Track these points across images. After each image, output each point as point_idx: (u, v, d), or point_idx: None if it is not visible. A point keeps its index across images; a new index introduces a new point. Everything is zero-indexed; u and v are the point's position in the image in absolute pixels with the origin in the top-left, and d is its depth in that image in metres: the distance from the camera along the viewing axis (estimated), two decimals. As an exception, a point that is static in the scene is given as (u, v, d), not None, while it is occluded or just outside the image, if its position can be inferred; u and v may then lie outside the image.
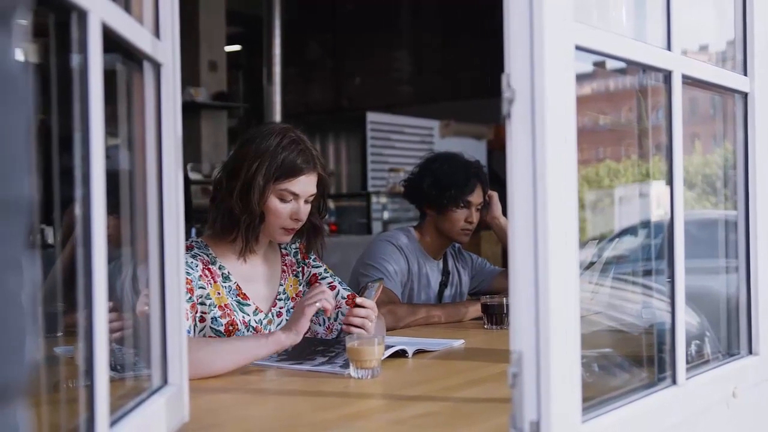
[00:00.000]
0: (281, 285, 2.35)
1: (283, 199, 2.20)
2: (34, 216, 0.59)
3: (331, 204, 7.74)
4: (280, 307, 2.33)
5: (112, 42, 1.12)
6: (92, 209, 1.01)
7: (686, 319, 1.57)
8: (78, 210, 1.01)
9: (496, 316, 2.65)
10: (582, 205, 1.33)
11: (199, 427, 1.47)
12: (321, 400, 1.72)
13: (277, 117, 8.59)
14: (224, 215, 2.20)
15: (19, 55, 0.57)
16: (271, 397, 1.77)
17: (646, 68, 1.57)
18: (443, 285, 3.13)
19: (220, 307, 2.16)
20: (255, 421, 1.61)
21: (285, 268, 2.38)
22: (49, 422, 1.19)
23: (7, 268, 0.54)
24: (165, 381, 1.38)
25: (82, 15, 0.99)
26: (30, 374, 0.57)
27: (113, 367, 1.24)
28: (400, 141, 8.29)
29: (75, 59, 1.02)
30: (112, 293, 1.09)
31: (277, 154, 2.17)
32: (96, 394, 1.01)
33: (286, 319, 2.29)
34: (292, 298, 2.36)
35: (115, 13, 1.10)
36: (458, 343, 2.35)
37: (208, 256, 2.21)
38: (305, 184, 2.21)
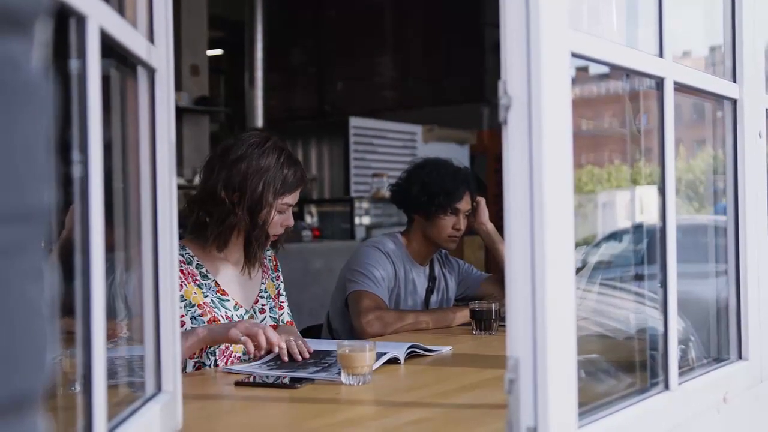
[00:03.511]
0: (263, 284, 2.43)
1: (281, 212, 2.31)
2: (49, 225, 0.58)
3: (314, 209, 7.72)
4: (263, 304, 2.41)
5: (107, 47, 1.11)
6: (90, 215, 1.00)
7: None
8: (76, 216, 1.00)
9: (485, 321, 2.65)
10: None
11: (192, 435, 1.46)
12: (313, 407, 1.71)
13: (259, 122, 8.56)
14: (228, 230, 2.26)
15: (39, 64, 0.56)
16: (264, 404, 1.76)
17: (639, 75, 1.58)
18: (430, 291, 3.13)
19: (199, 305, 2.20)
20: (248, 428, 1.60)
21: (265, 268, 2.47)
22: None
23: (28, 276, 0.54)
24: (159, 388, 1.37)
25: (81, 20, 0.98)
26: (49, 382, 0.57)
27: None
28: (383, 146, 8.28)
29: (72, 64, 1.01)
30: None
31: (280, 172, 2.27)
32: (94, 402, 1.00)
33: (270, 316, 2.41)
34: (273, 297, 2.45)
35: (113, 18, 1.10)
36: (447, 350, 2.35)
37: (183, 256, 2.23)
38: (298, 195, 2.35)
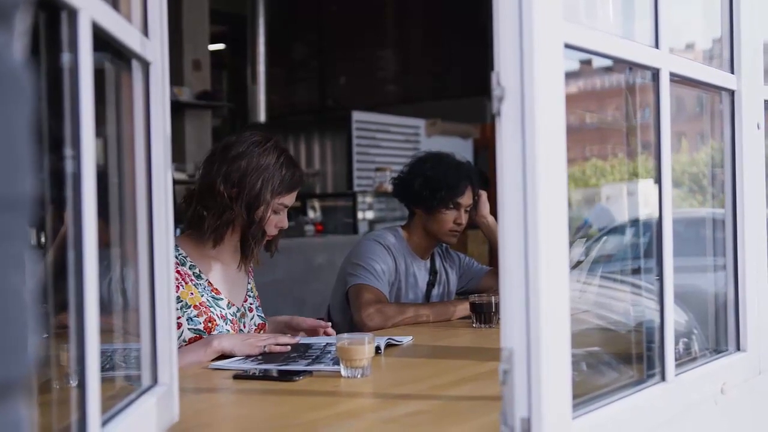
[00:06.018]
0: (249, 284, 2.48)
1: (275, 212, 2.33)
2: (31, 213, 0.59)
3: (317, 204, 7.72)
4: (250, 303, 2.45)
5: (101, 40, 1.11)
6: (83, 210, 1.00)
7: (674, 317, 1.58)
8: (69, 211, 1.01)
9: (485, 314, 2.65)
10: (569, 204, 1.34)
11: (188, 427, 1.46)
12: (311, 400, 1.71)
13: (262, 117, 8.57)
14: (224, 225, 2.28)
15: (20, 54, 0.57)
16: (262, 396, 1.77)
17: (634, 66, 1.58)
18: (431, 284, 3.13)
19: (195, 306, 2.23)
20: (245, 420, 1.61)
21: (250, 270, 2.50)
22: (39, 423, 1.18)
23: (11, 264, 0.54)
24: (155, 381, 1.37)
25: (73, 13, 0.99)
26: (32, 371, 0.57)
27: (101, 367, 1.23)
28: (386, 140, 8.28)
29: (65, 58, 1.01)
30: (99, 294, 1.08)
31: (279, 172, 2.29)
32: (87, 395, 1.00)
33: (258, 315, 2.45)
34: (257, 297, 2.50)
35: (105, 11, 1.10)
36: (408, 340, 2.39)
37: (176, 257, 2.25)
38: (294, 197, 2.37)
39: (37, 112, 1.00)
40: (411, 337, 2.42)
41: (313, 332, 2.42)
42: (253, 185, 2.26)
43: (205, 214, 2.26)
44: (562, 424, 1.21)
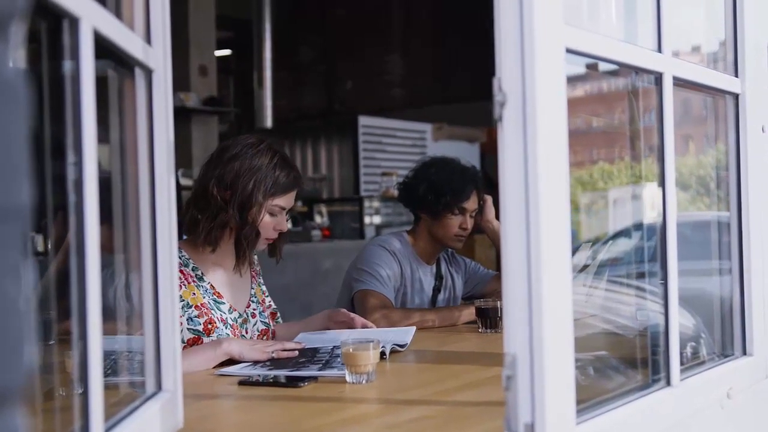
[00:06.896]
0: (252, 289, 2.47)
1: (272, 214, 2.32)
2: (29, 223, 0.59)
3: (324, 209, 7.72)
4: (253, 309, 2.44)
5: (103, 48, 1.11)
6: (85, 216, 1.00)
7: (681, 322, 1.57)
8: (71, 217, 1.01)
9: (490, 319, 2.65)
10: (576, 208, 1.33)
11: (193, 434, 1.46)
12: (316, 406, 1.71)
13: (268, 122, 8.57)
14: (219, 227, 2.28)
15: (17, 62, 0.57)
16: (267, 403, 1.77)
17: (637, 70, 1.58)
18: (437, 289, 3.13)
19: (196, 306, 2.24)
20: (250, 427, 1.61)
21: (254, 274, 2.50)
22: (43, 430, 1.18)
23: (7, 274, 0.54)
24: (159, 387, 1.37)
25: (74, 22, 0.99)
26: (28, 379, 0.57)
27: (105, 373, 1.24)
28: (393, 145, 8.28)
29: (66, 66, 1.02)
30: (105, 301, 1.09)
31: (272, 173, 2.28)
32: (91, 401, 1.01)
33: (260, 321, 2.44)
34: (261, 302, 2.48)
35: (107, 19, 1.10)
36: (411, 331, 2.42)
37: (180, 258, 2.25)
38: (292, 199, 2.36)
39: (39, 119, 1.01)
40: (414, 328, 2.45)
41: (349, 325, 2.47)
42: (245, 186, 2.25)
43: (199, 218, 2.27)
44: (565, 430, 1.21)
